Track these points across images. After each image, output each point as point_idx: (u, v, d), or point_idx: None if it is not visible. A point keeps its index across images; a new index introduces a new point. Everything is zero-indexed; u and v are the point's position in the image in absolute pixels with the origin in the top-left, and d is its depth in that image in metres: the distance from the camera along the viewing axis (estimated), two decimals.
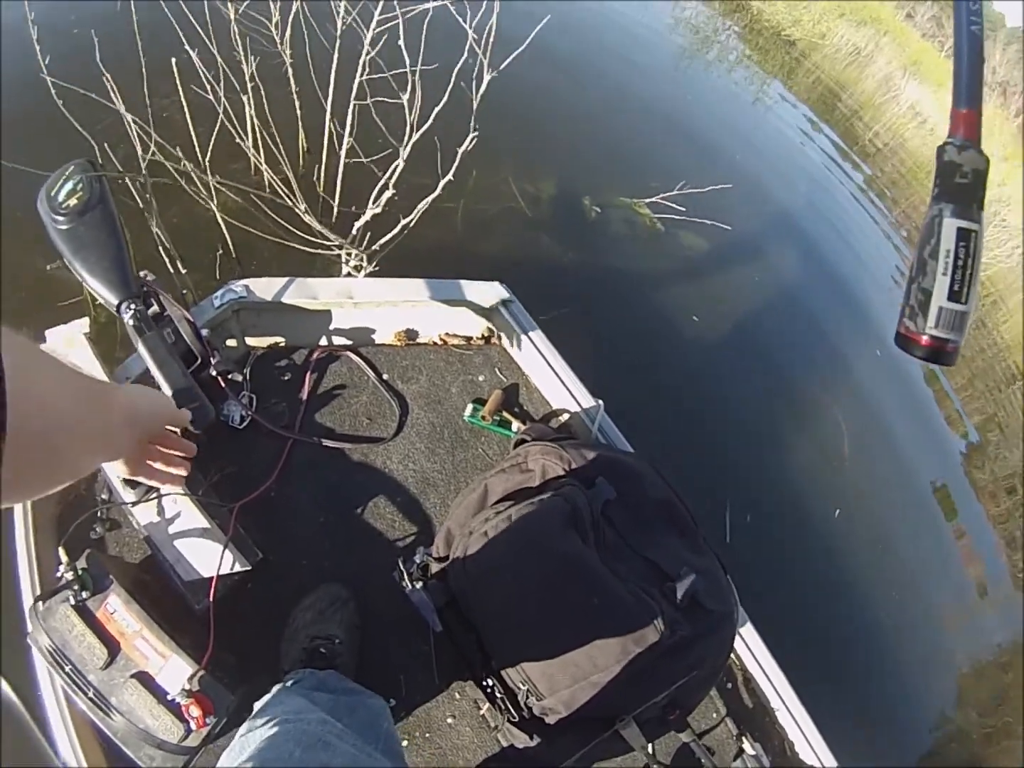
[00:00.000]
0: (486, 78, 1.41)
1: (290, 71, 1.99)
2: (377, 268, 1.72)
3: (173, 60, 1.65)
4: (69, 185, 0.82)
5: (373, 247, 1.68)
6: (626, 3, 6.78)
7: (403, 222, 1.59)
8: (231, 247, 1.93)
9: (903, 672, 2.32)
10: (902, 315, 0.31)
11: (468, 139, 1.42)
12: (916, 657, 2.37)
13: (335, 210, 2.15)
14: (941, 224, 0.30)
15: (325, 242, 1.63)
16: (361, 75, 1.78)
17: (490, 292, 1.16)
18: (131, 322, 0.82)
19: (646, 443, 1.24)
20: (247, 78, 1.82)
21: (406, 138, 1.56)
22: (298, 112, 2.17)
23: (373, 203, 1.64)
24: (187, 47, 1.59)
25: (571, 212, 2.93)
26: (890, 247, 5.39)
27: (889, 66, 13.23)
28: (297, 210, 1.54)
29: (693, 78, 6.49)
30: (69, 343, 0.92)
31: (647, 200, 3.08)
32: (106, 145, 1.47)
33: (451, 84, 1.48)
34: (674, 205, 3.05)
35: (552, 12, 1.84)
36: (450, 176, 1.47)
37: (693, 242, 3.15)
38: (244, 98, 1.79)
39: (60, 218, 0.80)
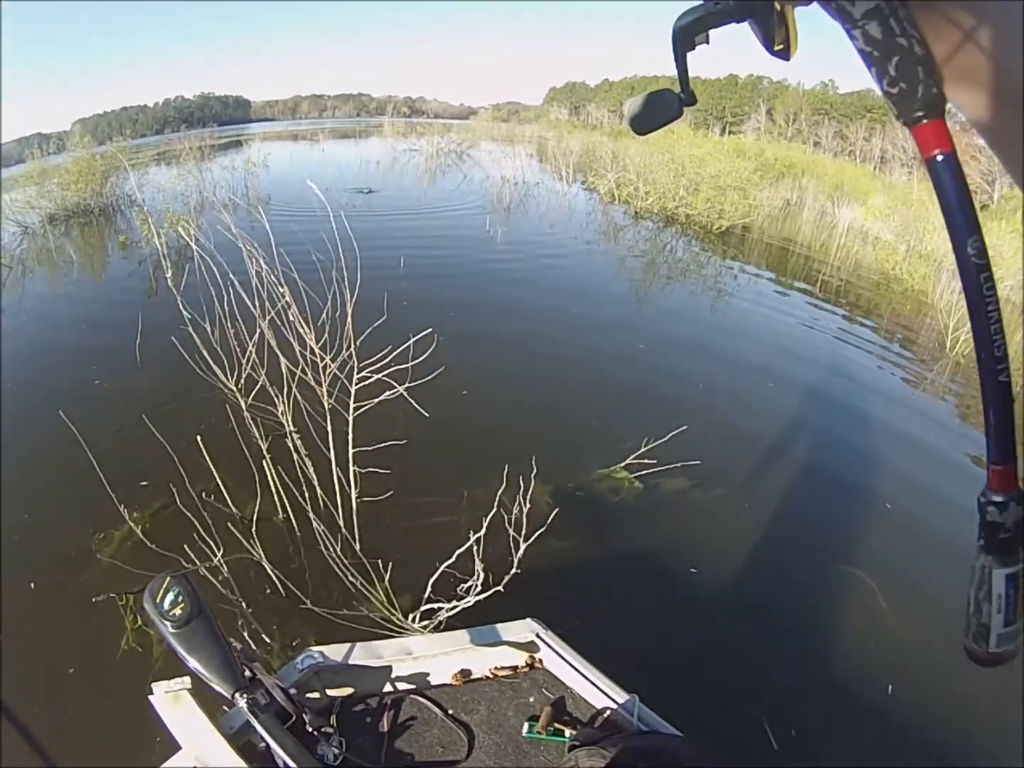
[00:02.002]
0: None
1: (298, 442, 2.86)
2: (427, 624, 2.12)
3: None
4: (171, 596, 1.01)
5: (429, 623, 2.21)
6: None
7: (460, 607, 2.15)
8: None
9: None
10: (966, 635, 0.36)
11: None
12: None
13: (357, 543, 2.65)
14: (991, 575, 0.35)
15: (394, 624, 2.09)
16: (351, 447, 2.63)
17: (526, 628, 1.48)
18: (245, 707, 1.01)
19: (686, 714, 1.38)
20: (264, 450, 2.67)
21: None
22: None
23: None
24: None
25: (563, 503, 3.28)
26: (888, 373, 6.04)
27: (818, 201, 14.84)
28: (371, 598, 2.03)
29: (651, 305, 7.60)
30: (175, 700, 1.07)
31: (621, 464, 3.61)
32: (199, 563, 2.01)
33: None
34: (646, 461, 3.55)
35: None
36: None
37: (673, 485, 3.57)
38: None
39: (168, 623, 0.99)
